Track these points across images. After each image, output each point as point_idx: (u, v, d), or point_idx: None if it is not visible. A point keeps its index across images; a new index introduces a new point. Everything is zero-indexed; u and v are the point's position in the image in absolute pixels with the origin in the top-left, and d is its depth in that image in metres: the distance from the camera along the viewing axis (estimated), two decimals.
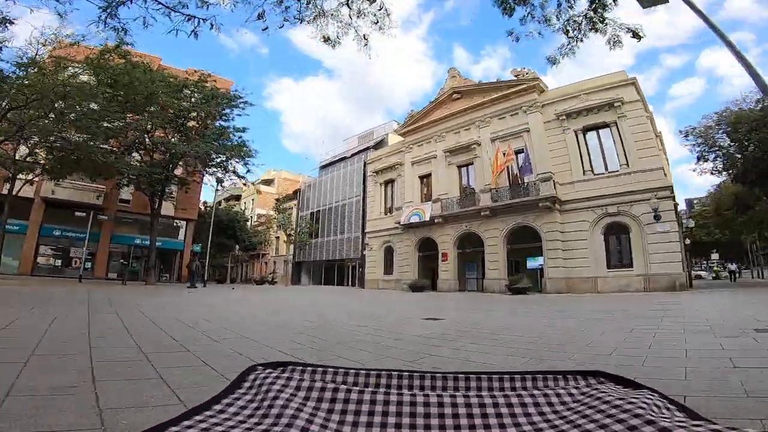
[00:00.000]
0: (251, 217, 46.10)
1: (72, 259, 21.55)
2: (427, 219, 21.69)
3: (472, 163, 22.46)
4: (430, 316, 7.02)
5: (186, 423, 0.52)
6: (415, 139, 26.13)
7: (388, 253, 26.33)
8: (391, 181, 27.97)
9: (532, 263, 19.14)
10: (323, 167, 37.94)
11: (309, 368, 0.72)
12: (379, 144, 32.84)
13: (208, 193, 31.02)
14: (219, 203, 35.91)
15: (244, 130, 21.07)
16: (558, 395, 0.62)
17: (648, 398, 0.56)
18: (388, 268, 26.08)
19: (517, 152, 19.66)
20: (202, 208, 29.77)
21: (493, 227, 19.61)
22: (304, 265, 37.08)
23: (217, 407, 0.59)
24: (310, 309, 8.45)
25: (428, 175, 24.65)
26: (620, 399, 0.55)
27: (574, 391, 0.63)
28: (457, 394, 0.64)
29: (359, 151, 34.14)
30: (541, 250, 18.34)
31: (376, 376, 0.70)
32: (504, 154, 19.63)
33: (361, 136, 37.01)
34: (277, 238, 41.98)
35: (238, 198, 55.16)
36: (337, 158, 36.70)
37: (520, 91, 20.85)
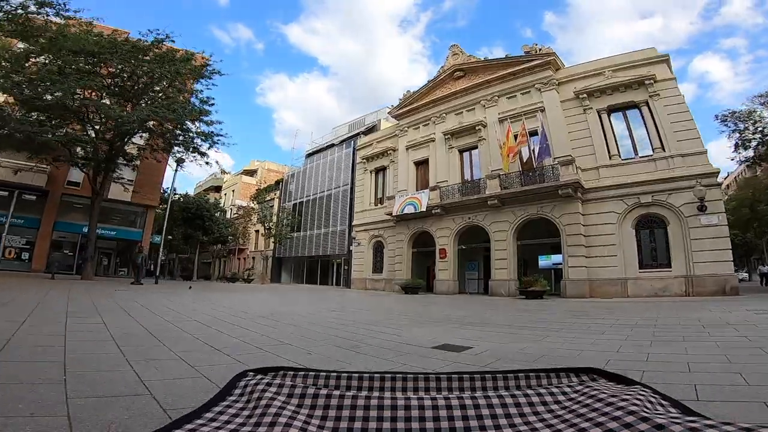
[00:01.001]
0: (230, 209, 42.58)
1: (5, 249, 18.00)
2: (424, 209, 18.76)
3: (476, 147, 19.62)
4: (443, 339, 4.08)
5: None
6: (412, 121, 23.24)
7: (378, 249, 23.34)
8: (383, 169, 25.01)
9: (544, 262, 16.41)
10: (309, 155, 34.73)
11: (300, 373, 0.70)
12: (371, 130, 29.77)
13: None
14: (196, 194, 32.29)
15: (208, 100, 17.69)
16: (552, 394, 0.61)
17: (641, 394, 0.55)
18: (378, 265, 23.09)
19: (531, 134, 16.85)
20: (176, 195, 26.44)
21: (502, 219, 16.76)
22: (285, 262, 33.86)
23: (208, 415, 0.57)
24: (258, 325, 5.40)
25: (425, 161, 21.75)
26: (613, 396, 0.55)
27: (567, 389, 0.62)
28: (451, 396, 0.63)
29: (349, 138, 31.05)
30: (555, 246, 15.63)
31: (369, 379, 0.69)
32: (516, 136, 16.78)
33: (352, 124, 33.88)
34: (257, 231, 38.70)
35: (218, 189, 51.55)
36: (324, 146, 33.56)
37: (534, 68, 18.18)
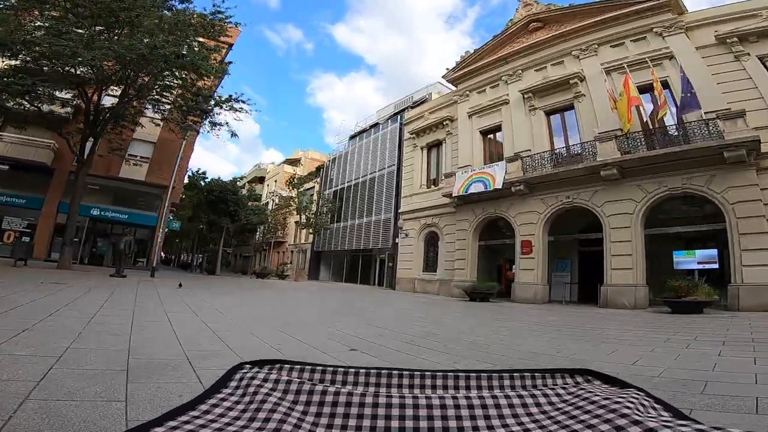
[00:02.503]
0: (271, 200, 39.99)
1: (4, 232, 15.91)
2: (498, 187, 13.90)
3: (571, 107, 14.43)
4: None
5: (171, 423, 0.49)
6: (475, 83, 18.46)
7: (431, 241, 18.78)
8: (437, 144, 20.43)
9: (684, 259, 10.99)
10: (352, 137, 30.85)
11: (297, 366, 0.70)
12: (420, 104, 25.18)
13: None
14: (234, 181, 29.58)
15: (223, 52, 14.13)
16: (546, 395, 0.62)
17: (634, 397, 0.55)
18: (431, 262, 18.53)
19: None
20: (196, 176, 23.74)
21: (622, 197, 11.49)
22: (324, 257, 30.34)
23: (203, 407, 0.56)
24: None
25: (496, 129, 16.87)
26: (606, 399, 0.55)
27: (561, 391, 0.63)
28: (446, 395, 0.63)
29: (395, 114, 26.66)
30: (701, 237, 10.33)
31: (365, 375, 0.70)
32: (635, 87, 11.49)
33: (398, 103, 29.44)
34: (296, 223, 35.77)
35: (261, 180, 49.65)
36: (368, 126, 29.47)
37: (645, 11, 13.23)
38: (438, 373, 0.69)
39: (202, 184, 22.55)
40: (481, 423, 0.57)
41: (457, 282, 15.13)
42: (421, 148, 21.30)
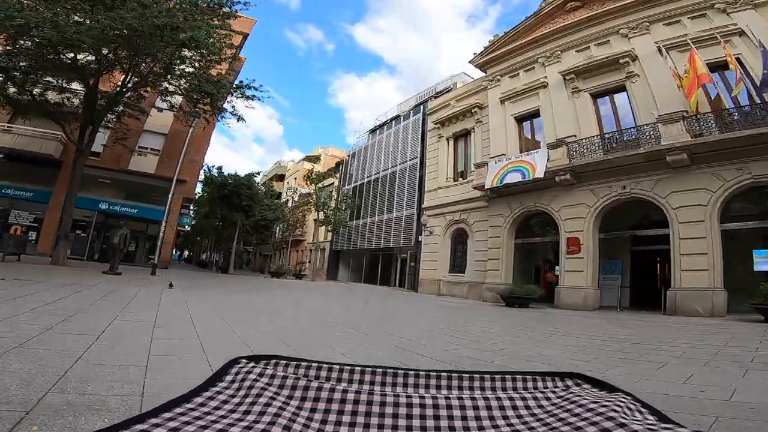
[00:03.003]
0: (291, 197, 39.15)
1: (11, 226, 15.42)
2: (539, 176, 12.34)
3: (622, 88, 12.77)
4: None
5: (166, 415, 0.49)
6: (506, 68, 16.95)
7: (459, 239, 17.33)
8: (465, 134, 18.97)
9: (764, 259, 9.22)
10: (372, 131, 29.63)
11: (293, 362, 0.70)
12: (445, 93, 23.68)
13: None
14: (249, 176, 28.69)
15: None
16: (536, 398, 0.63)
17: (621, 401, 0.56)
18: (458, 262, 17.08)
19: (720, 66, 9.90)
20: (212, 171, 22.94)
21: (694, 187, 9.78)
22: (343, 256, 29.26)
23: (198, 400, 0.56)
24: None
25: (533, 114, 15.31)
26: (594, 402, 0.56)
27: (551, 394, 0.64)
28: (439, 395, 0.64)
29: (417, 105, 25.25)
30: None
31: (361, 372, 0.70)
32: (703, 64, 9.77)
33: (421, 95, 27.99)
34: (315, 221, 34.97)
35: (282, 178, 49.09)
36: (389, 119, 28.17)
37: None
38: (432, 373, 0.70)
39: (216, 177, 21.72)
40: (472, 423, 0.57)
41: (490, 285, 13.66)
42: (447, 139, 19.87)
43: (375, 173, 25.71)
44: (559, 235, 12.22)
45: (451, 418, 0.58)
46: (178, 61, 12.60)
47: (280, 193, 43.10)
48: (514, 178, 13.09)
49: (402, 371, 0.70)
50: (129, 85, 12.39)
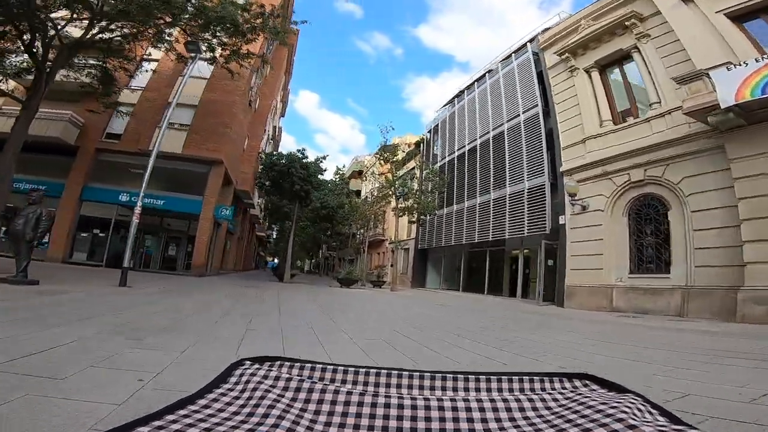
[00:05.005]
0: (369, 193, 34.14)
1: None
2: None
3: None
4: None
5: (169, 417, 0.49)
6: None
7: (645, 213, 10.02)
8: (619, 60, 11.68)
9: None
10: (456, 96, 23.12)
11: (297, 364, 0.69)
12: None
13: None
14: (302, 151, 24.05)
15: None
16: (543, 400, 0.61)
17: (631, 402, 0.54)
18: (648, 255, 9.78)
19: None
20: (264, 155, 18.57)
21: None
22: (431, 256, 23.23)
23: (202, 402, 0.56)
24: None
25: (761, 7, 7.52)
26: (603, 404, 0.54)
27: (559, 396, 0.62)
28: (444, 397, 0.62)
29: (519, 49, 17.97)
30: None
31: (365, 374, 0.67)
32: None
33: (512, 47, 20.50)
34: (394, 211, 29.89)
35: (360, 174, 44.92)
36: (479, 76, 21.37)
37: None
38: (437, 374, 0.67)
39: (265, 159, 17.00)
40: (478, 426, 0.55)
41: (761, 290, 6.37)
42: (587, 71, 12.67)
43: (469, 142, 19.18)
44: None
45: (456, 420, 0.55)
46: None
47: (359, 191, 38.60)
48: None
49: (407, 372, 0.67)
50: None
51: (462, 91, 22.11)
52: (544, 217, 13.14)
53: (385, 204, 28.72)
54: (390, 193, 22.15)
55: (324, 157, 16.68)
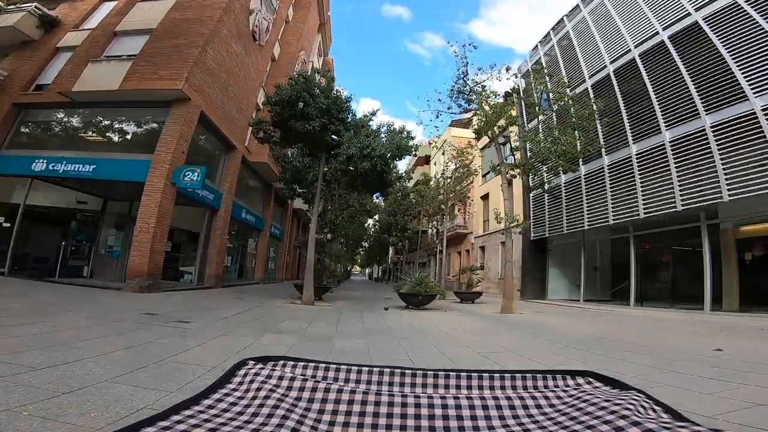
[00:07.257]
0: (440, 179, 26.79)
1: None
2: None
3: None
4: None
5: (175, 417, 0.49)
6: None
7: None
8: None
9: None
10: (558, 25, 15.81)
11: (300, 363, 0.69)
12: None
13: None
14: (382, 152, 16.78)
15: None
16: (546, 397, 0.61)
17: (635, 399, 0.55)
18: None
19: None
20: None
21: None
22: (552, 248, 16.13)
23: (207, 402, 0.56)
24: None
25: None
26: (606, 401, 0.54)
27: (561, 393, 0.62)
28: (447, 395, 0.63)
29: None
30: None
31: (368, 372, 0.68)
32: None
33: None
34: (513, 175, 23.28)
35: (427, 160, 37.77)
36: None
37: None
38: (440, 373, 0.67)
39: (272, 96, 9.27)
40: (481, 423, 0.55)
41: None
42: None
43: (613, 58, 11.85)
44: None
45: (460, 417, 0.55)
46: None
47: (430, 178, 31.92)
48: None
49: (410, 371, 0.67)
50: None
51: (561, 20, 14.86)
52: None
53: (468, 185, 22.12)
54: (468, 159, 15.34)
55: (374, 113, 9.62)
